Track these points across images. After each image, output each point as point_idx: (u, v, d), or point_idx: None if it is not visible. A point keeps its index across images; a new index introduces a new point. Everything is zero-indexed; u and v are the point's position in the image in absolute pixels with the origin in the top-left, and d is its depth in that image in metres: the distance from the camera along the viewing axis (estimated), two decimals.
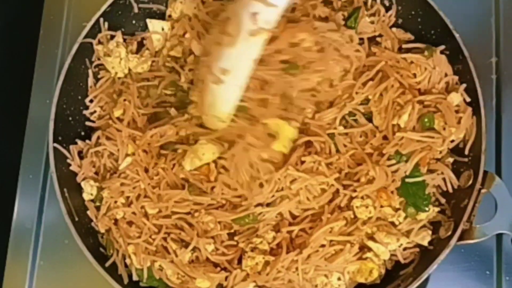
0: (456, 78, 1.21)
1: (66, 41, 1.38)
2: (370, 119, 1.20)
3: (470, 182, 1.14)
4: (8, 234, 1.29)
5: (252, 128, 1.10)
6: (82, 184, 1.22)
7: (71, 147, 1.23)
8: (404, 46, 1.24)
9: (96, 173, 1.24)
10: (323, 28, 1.16)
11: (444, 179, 1.18)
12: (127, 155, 1.20)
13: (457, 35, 1.19)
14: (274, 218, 1.15)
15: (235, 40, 1.01)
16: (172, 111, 1.21)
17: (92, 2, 1.29)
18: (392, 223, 1.17)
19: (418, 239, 1.15)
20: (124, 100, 1.24)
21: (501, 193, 1.12)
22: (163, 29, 1.28)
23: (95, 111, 1.27)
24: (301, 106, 1.14)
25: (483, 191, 1.13)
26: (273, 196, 1.15)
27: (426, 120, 1.16)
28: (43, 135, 1.28)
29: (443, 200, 1.18)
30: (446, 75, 1.21)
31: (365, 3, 1.26)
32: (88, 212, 1.21)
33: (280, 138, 1.12)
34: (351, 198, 1.15)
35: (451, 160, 1.19)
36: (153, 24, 1.28)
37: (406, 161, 1.15)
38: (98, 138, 1.23)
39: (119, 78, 1.28)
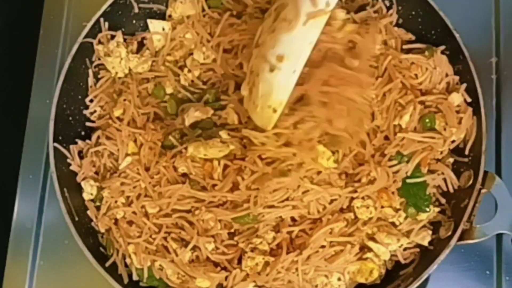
0: (456, 78, 1.21)
1: (66, 41, 1.38)
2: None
3: (470, 182, 1.14)
4: (8, 234, 1.29)
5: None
6: (82, 184, 1.22)
7: (71, 147, 1.23)
8: (404, 46, 1.24)
9: (96, 173, 1.24)
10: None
11: (444, 179, 1.18)
12: (127, 154, 1.20)
13: (457, 35, 1.19)
14: (274, 219, 1.15)
15: (293, 24, 0.99)
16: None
17: (92, 2, 1.29)
18: (393, 224, 1.17)
19: (418, 239, 1.15)
20: (124, 100, 1.24)
21: (501, 193, 1.12)
22: (163, 29, 1.28)
23: (95, 111, 1.27)
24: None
25: (483, 191, 1.13)
26: (281, 202, 1.14)
27: (427, 120, 1.16)
28: (43, 135, 1.28)
29: (443, 200, 1.18)
30: (446, 75, 1.21)
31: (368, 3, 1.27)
32: (88, 212, 1.21)
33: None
34: (352, 199, 1.15)
35: (451, 160, 1.19)
36: (154, 24, 1.28)
37: (407, 162, 1.15)
38: (98, 137, 1.23)
39: (119, 78, 1.28)
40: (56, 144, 1.20)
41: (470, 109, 1.18)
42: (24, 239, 1.28)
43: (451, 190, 1.17)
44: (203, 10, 1.28)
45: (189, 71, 1.25)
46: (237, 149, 1.15)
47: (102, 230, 1.20)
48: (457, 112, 1.18)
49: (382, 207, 1.15)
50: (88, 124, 1.27)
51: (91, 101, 1.27)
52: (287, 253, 1.12)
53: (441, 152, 1.18)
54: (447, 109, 1.17)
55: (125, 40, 1.28)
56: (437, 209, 1.17)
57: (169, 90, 1.25)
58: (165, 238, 1.15)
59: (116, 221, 1.19)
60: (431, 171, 1.17)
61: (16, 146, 1.33)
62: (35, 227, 1.29)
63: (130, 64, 1.27)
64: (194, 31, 1.26)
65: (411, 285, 1.10)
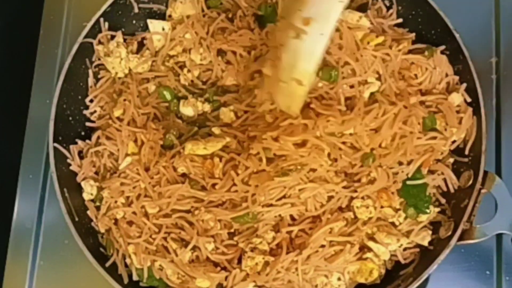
0: (456, 78, 1.21)
1: (66, 41, 1.38)
2: None
3: (470, 182, 1.14)
4: (8, 234, 1.29)
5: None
6: (82, 184, 1.22)
7: (71, 147, 1.23)
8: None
9: (96, 173, 1.24)
10: None
11: (444, 180, 1.18)
12: (127, 154, 1.20)
13: (457, 35, 1.19)
14: (273, 218, 1.15)
15: None
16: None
17: (92, 2, 1.29)
18: (393, 224, 1.17)
19: (418, 239, 1.15)
20: (124, 100, 1.24)
21: (501, 193, 1.12)
22: (163, 29, 1.28)
23: (95, 111, 1.27)
24: None
25: (483, 191, 1.13)
26: (278, 200, 1.14)
27: (427, 120, 1.16)
28: (43, 135, 1.28)
29: (443, 200, 1.18)
30: (446, 75, 1.21)
31: (367, 2, 1.27)
32: (88, 212, 1.21)
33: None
34: (352, 199, 1.15)
35: (451, 160, 1.19)
36: (154, 24, 1.28)
37: (408, 164, 1.15)
38: (98, 138, 1.23)
39: (119, 78, 1.28)
40: (56, 144, 1.20)
41: (470, 109, 1.18)
42: (24, 239, 1.29)
43: (451, 190, 1.17)
44: (203, 10, 1.28)
45: (189, 71, 1.25)
46: (232, 142, 1.16)
47: (102, 230, 1.20)
48: (457, 112, 1.18)
49: (382, 207, 1.15)
50: (88, 124, 1.27)
51: (91, 101, 1.27)
52: (287, 253, 1.12)
53: (442, 153, 1.18)
54: (447, 109, 1.17)
55: (125, 40, 1.28)
56: (437, 209, 1.17)
57: (169, 92, 1.25)
58: (165, 238, 1.15)
59: (116, 221, 1.19)
60: (431, 172, 1.17)
61: (16, 146, 1.33)
62: (35, 227, 1.29)
63: (130, 64, 1.27)
64: (194, 31, 1.26)
65: (411, 285, 1.10)
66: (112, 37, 1.27)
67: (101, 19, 1.25)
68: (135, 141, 1.21)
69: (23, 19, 1.44)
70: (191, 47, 1.26)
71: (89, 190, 1.21)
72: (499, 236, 1.21)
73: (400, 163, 1.15)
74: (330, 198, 1.15)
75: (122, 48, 1.25)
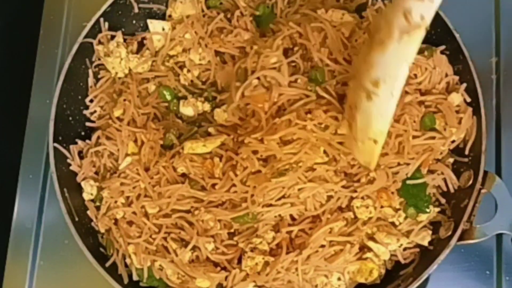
0: (456, 78, 1.21)
1: (66, 41, 1.38)
2: None
3: (470, 182, 1.14)
4: (8, 234, 1.29)
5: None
6: (82, 184, 1.22)
7: (71, 147, 1.23)
8: None
9: (96, 173, 1.24)
10: None
11: (444, 180, 1.18)
12: (127, 154, 1.20)
13: (457, 35, 1.19)
14: (273, 218, 1.15)
15: (387, 43, 0.92)
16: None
17: (92, 2, 1.29)
18: (393, 223, 1.17)
19: (418, 239, 1.15)
20: (124, 100, 1.24)
21: (501, 193, 1.12)
22: (163, 29, 1.28)
23: (95, 111, 1.27)
24: None
25: (483, 191, 1.13)
26: (278, 200, 1.14)
27: (427, 120, 1.16)
28: (43, 135, 1.28)
29: (443, 200, 1.18)
30: (446, 75, 1.21)
31: (367, 1, 1.27)
32: (88, 212, 1.21)
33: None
34: (351, 199, 1.15)
35: (451, 160, 1.19)
36: (154, 25, 1.28)
37: (408, 164, 1.15)
38: (98, 138, 1.23)
39: (119, 78, 1.28)
40: (56, 144, 1.20)
41: (470, 109, 1.18)
42: (24, 239, 1.29)
43: (451, 190, 1.17)
44: (203, 10, 1.28)
45: (189, 71, 1.25)
46: (229, 140, 1.16)
47: (102, 230, 1.20)
48: (457, 112, 1.18)
49: (382, 207, 1.15)
50: (88, 124, 1.27)
51: (91, 101, 1.27)
52: (287, 253, 1.12)
53: (441, 152, 1.18)
54: (446, 109, 1.17)
55: (125, 40, 1.28)
56: (437, 209, 1.17)
57: (169, 92, 1.25)
58: (165, 238, 1.15)
59: (116, 221, 1.19)
60: (431, 171, 1.17)
61: (16, 146, 1.33)
62: (35, 227, 1.29)
63: (130, 64, 1.27)
64: (193, 31, 1.26)
65: (411, 285, 1.10)
66: (112, 37, 1.27)
67: (101, 19, 1.25)
68: (135, 141, 1.21)
69: (23, 19, 1.44)
70: (190, 47, 1.26)
71: (89, 190, 1.21)
72: (499, 236, 1.21)
73: (399, 164, 1.15)
74: (329, 197, 1.15)
75: (122, 48, 1.25)
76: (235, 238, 1.15)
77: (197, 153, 1.16)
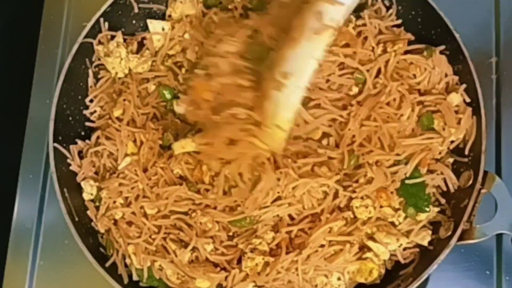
0: (456, 78, 1.21)
1: (66, 41, 1.38)
2: None
3: (470, 182, 1.14)
4: (8, 234, 1.29)
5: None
6: (82, 184, 1.22)
7: (71, 147, 1.23)
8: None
9: (96, 173, 1.24)
10: None
11: (444, 180, 1.18)
12: (126, 155, 1.20)
13: (457, 35, 1.19)
14: (272, 219, 1.15)
15: (298, 40, 1.00)
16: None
17: (92, 2, 1.29)
18: (392, 223, 1.17)
19: (418, 239, 1.15)
20: (124, 100, 1.24)
21: (501, 193, 1.12)
22: (163, 29, 1.28)
23: (95, 111, 1.27)
24: None
25: (483, 191, 1.13)
26: (274, 202, 1.14)
27: (424, 120, 1.16)
28: (43, 135, 1.28)
29: (443, 200, 1.18)
30: (446, 75, 1.21)
31: (366, 2, 1.27)
32: (88, 212, 1.21)
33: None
34: (351, 199, 1.15)
35: (451, 160, 1.19)
36: (154, 25, 1.28)
37: (406, 163, 1.15)
38: (98, 138, 1.23)
39: (119, 78, 1.28)
40: (56, 144, 1.20)
41: (469, 109, 1.18)
42: (24, 239, 1.29)
43: (451, 190, 1.17)
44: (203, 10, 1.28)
45: (187, 70, 1.25)
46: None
47: (102, 231, 1.20)
48: (456, 112, 1.18)
49: (381, 206, 1.15)
50: (88, 124, 1.27)
51: (91, 101, 1.27)
52: (287, 253, 1.12)
53: (440, 152, 1.18)
54: (446, 109, 1.17)
55: (125, 40, 1.28)
56: (436, 209, 1.17)
57: (169, 92, 1.25)
58: (164, 239, 1.15)
59: (116, 222, 1.19)
60: (430, 171, 1.17)
61: (16, 146, 1.33)
62: (35, 227, 1.29)
63: (130, 64, 1.27)
64: (191, 30, 1.25)
65: (411, 285, 1.10)
66: (112, 37, 1.27)
67: (101, 19, 1.25)
68: (134, 141, 1.21)
69: (23, 19, 1.44)
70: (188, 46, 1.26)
71: (89, 190, 1.21)
72: (499, 236, 1.21)
73: (396, 164, 1.15)
74: (326, 194, 1.15)
75: (122, 48, 1.25)
76: (235, 240, 1.15)
77: (188, 152, 1.16)
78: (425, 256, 1.15)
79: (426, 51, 1.20)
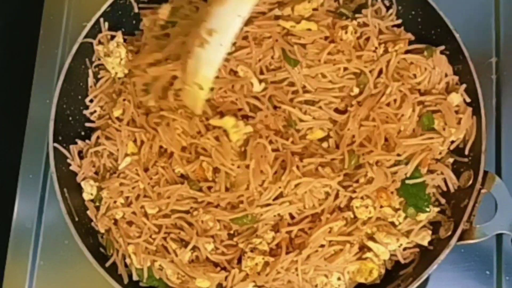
0: (456, 78, 1.21)
1: (66, 41, 1.38)
2: None
3: (470, 182, 1.14)
4: (8, 234, 1.29)
5: None
6: (82, 184, 1.22)
7: (71, 147, 1.23)
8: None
9: (96, 173, 1.24)
10: None
11: (444, 180, 1.18)
12: (126, 155, 1.20)
13: (457, 35, 1.19)
14: (273, 218, 1.15)
15: None
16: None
17: (92, 2, 1.29)
18: (392, 223, 1.17)
19: (418, 239, 1.15)
20: (124, 100, 1.24)
21: (501, 193, 1.12)
22: None
23: (95, 111, 1.27)
24: None
25: (483, 191, 1.13)
26: (276, 199, 1.14)
27: (425, 119, 1.16)
28: (43, 135, 1.28)
29: (443, 200, 1.18)
30: (446, 75, 1.21)
31: (366, 2, 1.27)
32: (88, 212, 1.21)
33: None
34: (351, 199, 1.15)
35: (451, 160, 1.19)
36: None
37: (406, 164, 1.15)
38: (98, 138, 1.24)
39: (119, 78, 1.28)
40: (56, 144, 1.20)
41: (469, 109, 1.18)
42: (24, 239, 1.29)
43: (451, 190, 1.17)
44: None
45: None
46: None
47: (102, 231, 1.20)
48: (456, 112, 1.18)
49: (382, 206, 1.15)
50: (88, 124, 1.27)
51: (91, 101, 1.27)
52: (287, 253, 1.12)
53: (440, 152, 1.18)
54: (446, 109, 1.17)
55: (125, 40, 1.28)
56: (436, 209, 1.17)
57: None
58: (164, 239, 1.15)
59: (116, 222, 1.19)
60: (430, 171, 1.17)
61: (16, 146, 1.33)
62: (35, 227, 1.29)
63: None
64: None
65: (411, 285, 1.10)
66: (112, 37, 1.27)
67: (101, 19, 1.25)
68: (135, 141, 1.21)
69: (23, 19, 1.44)
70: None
71: (89, 190, 1.21)
72: (499, 236, 1.21)
73: (396, 164, 1.15)
74: (327, 195, 1.15)
75: (122, 48, 1.25)
76: (235, 239, 1.15)
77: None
78: (425, 256, 1.15)
79: (426, 51, 1.20)
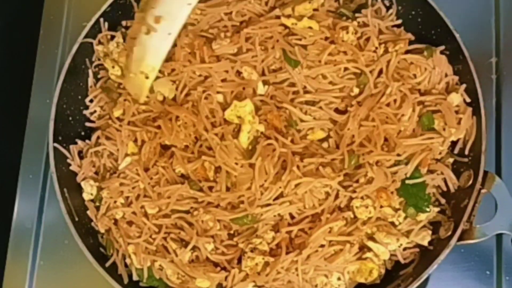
0: (456, 78, 1.21)
1: (66, 41, 1.38)
2: None
3: (470, 182, 1.14)
4: (8, 234, 1.29)
5: None
6: (82, 184, 1.22)
7: (71, 147, 1.23)
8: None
9: (96, 173, 1.24)
10: None
11: (444, 179, 1.18)
12: (126, 155, 1.20)
13: (457, 35, 1.19)
14: (273, 218, 1.15)
15: None
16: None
17: (92, 2, 1.29)
18: (392, 223, 1.17)
19: (418, 239, 1.15)
20: (124, 100, 1.24)
21: (501, 193, 1.12)
22: None
23: (95, 111, 1.27)
24: None
25: (483, 191, 1.13)
26: (276, 199, 1.14)
27: (425, 119, 1.16)
28: (43, 135, 1.28)
29: (443, 200, 1.18)
30: (446, 75, 1.21)
31: (366, 2, 1.27)
32: (88, 212, 1.21)
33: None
34: (351, 199, 1.15)
35: (451, 160, 1.19)
36: None
37: (406, 164, 1.15)
38: (98, 138, 1.24)
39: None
40: (56, 144, 1.20)
41: (469, 109, 1.18)
42: (24, 239, 1.29)
43: (451, 190, 1.17)
44: None
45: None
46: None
47: (102, 231, 1.20)
48: (456, 112, 1.18)
49: (382, 206, 1.15)
50: (88, 124, 1.27)
51: (91, 101, 1.27)
52: (287, 253, 1.12)
53: (440, 152, 1.18)
54: (446, 109, 1.17)
55: (125, 40, 1.28)
56: (437, 209, 1.17)
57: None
58: (164, 239, 1.15)
59: (116, 222, 1.19)
60: (430, 171, 1.17)
61: (16, 146, 1.33)
62: (35, 227, 1.29)
63: None
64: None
65: (411, 285, 1.10)
66: (112, 37, 1.27)
67: (101, 19, 1.25)
68: (135, 141, 1.21)
69: (23, 19, 1.44)
70: None
71: (89, 190, 1.21)
72: (499, 236, 1.21)
73: (396, 164, 1.15)
74: (327, 195, 1.15)
75: (122, 48, 1.25)
76: (235, 239, 1.15)
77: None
78: (425, 256, 1.15)
79: (426, 51, 1.20)
